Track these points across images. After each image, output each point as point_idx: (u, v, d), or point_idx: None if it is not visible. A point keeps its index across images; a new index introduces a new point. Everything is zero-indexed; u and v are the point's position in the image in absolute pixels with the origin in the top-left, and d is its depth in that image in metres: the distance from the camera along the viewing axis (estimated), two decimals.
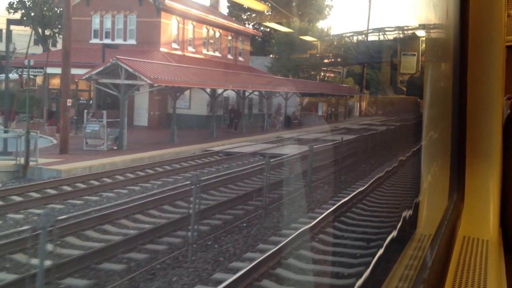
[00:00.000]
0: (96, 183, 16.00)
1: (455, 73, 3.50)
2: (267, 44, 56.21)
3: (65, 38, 22.81)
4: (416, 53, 29.74)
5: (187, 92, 31.86)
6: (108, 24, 36.94)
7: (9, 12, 43.61)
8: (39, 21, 41.98)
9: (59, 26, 40.67)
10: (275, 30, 50.44)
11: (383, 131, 33.60)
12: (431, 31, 3.66)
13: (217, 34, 42.43)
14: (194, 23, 39.10)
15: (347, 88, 53.51)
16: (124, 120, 23.73)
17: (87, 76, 25.85)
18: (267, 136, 30.61)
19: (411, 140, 18.35)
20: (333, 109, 49.09)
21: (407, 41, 39.10)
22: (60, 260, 8.66)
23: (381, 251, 8.68)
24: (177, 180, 16.93)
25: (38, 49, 43.75)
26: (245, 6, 54.27)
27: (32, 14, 42.53)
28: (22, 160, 17.79)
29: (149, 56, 31.89)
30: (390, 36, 46.15)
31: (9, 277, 8.15)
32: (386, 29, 46.77)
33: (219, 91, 31.90)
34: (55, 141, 24.42)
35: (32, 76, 38.73)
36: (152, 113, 33.99)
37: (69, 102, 21.45)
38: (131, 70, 24.54)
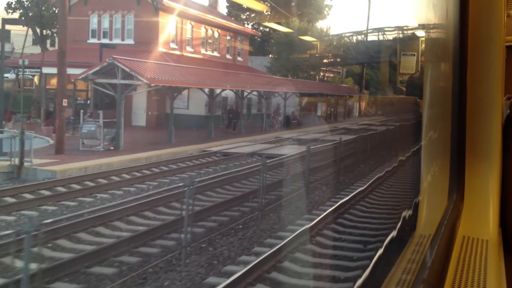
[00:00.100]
0: (91, 184, 15.79)
1: (455, 73, 3.48)
2: (266, 44, 56.04)
3: (60, 37, 22.61)
4: (415, 53, 29.62)
5: (185, 92, 31.66)
6: (106, 24, 36.75)
7: (8, 12, 43.47)
8: (38, 21, 41.83)
9: (57, 26, 40.48)
10: (274, 30, 50.30)
11: (382, 131, 33.43)
12: (431, 31, 3.64)
13: (216, 34, 42.23)
14: (193, 23, 38.89)
15: (346, 88, 53.34)
16: (121, 120, 23.53)
17: (83, 76, 25.65)
18: (266, 137, 30.43)
19: (411, 140, 18.22)
20: (332, 109, 48.90)
21: (406, 41, 39.00)
22: (49, 264, 8.45)
23: (380, 251, 8.53)
24: (173, 181, 16.72)
25: (37, 49, 43.57)
26: (244, 6, 54.11)
27: (31, 14, 42.39)
28: (16, 161, 17.60)
29: (147, 56, 31.68)
30: (390, 36, 46.05)
31: None
32: (386, 29, 46.66)
33: (218, 91, 31.71)
34: (51, 141, 24.22)
35: (30, 76, 38.68)
36: (150, 113, 33.80)
37: (65, 102, 21.23)
38: (127, 69, 24.34)
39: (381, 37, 47.31)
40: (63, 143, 21.03)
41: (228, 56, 44.06)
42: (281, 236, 10.60)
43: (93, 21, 36.83)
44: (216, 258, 9.45)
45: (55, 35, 44.01)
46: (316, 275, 8.74)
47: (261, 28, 57.68)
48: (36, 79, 37.59)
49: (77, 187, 15.31)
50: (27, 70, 34.56)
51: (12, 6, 44.01)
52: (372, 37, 50.40)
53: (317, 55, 49.85)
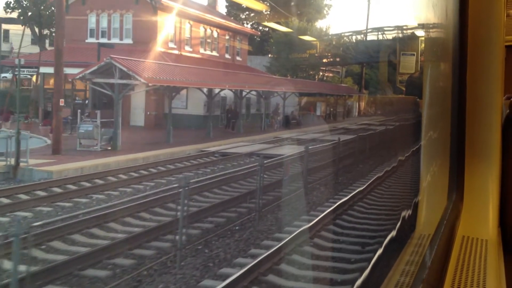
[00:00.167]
0: (87, 184, 15.64)
1: (455, 73, 3.50)
2: (265, 43, 55.89)
3: (57, 36, 22.46)
4: (415, 53, 29.44)
5: (184, 92, 31.51)
6: (104, 23, 36.58)
7: (6, 12, 43.33)
8: (36, 20, 41.69)
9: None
10: (274, 30, 50.15)
11: (382, 131, 33.30)
12: (431, 30, 3.63)
13: (215, 34, 42.07)
14: (192, 22, 38.73)
15: (346, 87, 53.21)
16: (118, 120, 23.38)
17: (81, 75, 25.50)
18: (265, 136, 30.28)
19: (410, 140, 18.07)
20: (331, 109, 48.75)
21: (406, 41, 38.82)
22: (41, 267, 8.29)
23: (380, 251, 8.40)
24: (170, 182, 16.56)
25: (36, 49, 43.42)
26: (244, 5, 53.95)
27: (29, 13, 42.24)
28: (12, 161, 17.45)
29: (145, 55, 31.50)
30: (389, 35, 45.91)
31: None
32: (385, 28, 46.51)
33: (216, 90, 31.55)
34: (49, 141, 24.05)
35: (29, 76, 38.52)
36: (148, 113, 33.64)
37: (61, 102, 21.06)
38: (125, 69, 24.19)
39: (380, 37, 47.19)
40: (60, 143, 20.88)
41: (227, 56, 43.90)
42: (278, 237, 10.45)
43: (91, 20, 36.67)
44: (212, 260, 9.29)
45: (53, 34, 43.88)
46: (314, 278, 8.58)
47: (260, 27, 57.54)
48: (34, 79, 37.43)
49: (73, 187, 15.16)
50: (25, 69, 34.50)
51: (11, 5, 43.85)
52: (371, 37, 50.28)
53: (316, 54, 49.71)
